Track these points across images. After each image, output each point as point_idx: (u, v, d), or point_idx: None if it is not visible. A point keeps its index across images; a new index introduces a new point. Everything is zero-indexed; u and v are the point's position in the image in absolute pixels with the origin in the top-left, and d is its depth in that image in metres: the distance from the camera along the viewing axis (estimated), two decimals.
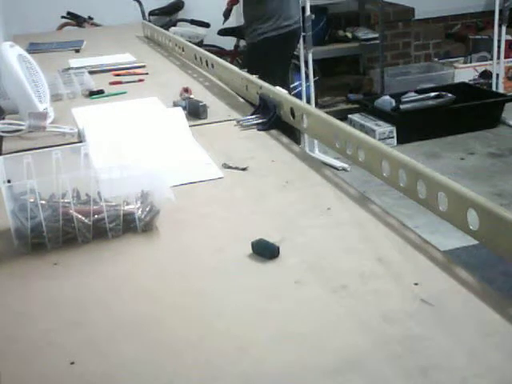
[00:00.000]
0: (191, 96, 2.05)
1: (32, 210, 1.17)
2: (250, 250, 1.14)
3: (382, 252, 1.11)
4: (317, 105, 4.73)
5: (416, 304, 0.96)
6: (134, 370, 0.88)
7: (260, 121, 1.78)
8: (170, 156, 1.58)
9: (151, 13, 4.59)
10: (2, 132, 1.80)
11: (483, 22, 5.86)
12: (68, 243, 1.20)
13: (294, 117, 1.68)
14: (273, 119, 1.76)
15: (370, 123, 4.70)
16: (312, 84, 4.40)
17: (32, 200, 1.17)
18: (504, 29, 4.91)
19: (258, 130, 1.75)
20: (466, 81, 5.32)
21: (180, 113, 1.84)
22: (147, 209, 1.23)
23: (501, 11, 4.88)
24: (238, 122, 1.77)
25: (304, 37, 4.15)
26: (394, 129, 4.60)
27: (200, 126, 1.83)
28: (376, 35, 5.30)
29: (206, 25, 4.67)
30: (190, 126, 1.77)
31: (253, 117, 1.79)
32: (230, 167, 1.51)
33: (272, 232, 1.20)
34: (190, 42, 4.56)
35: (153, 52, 2.93)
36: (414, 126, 4.57)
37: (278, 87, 1.81)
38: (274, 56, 3.64)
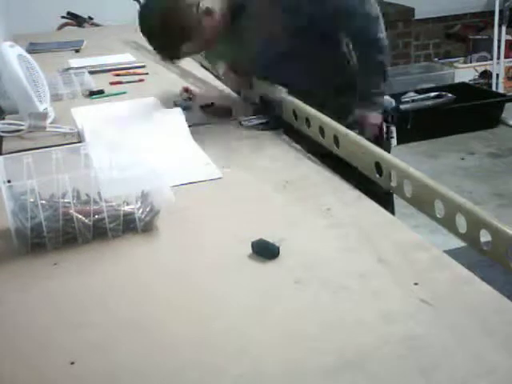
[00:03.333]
0: (191, 96, 2.05)
1: (32, 210, 1.17)
2: (250, 250, 1.14)
3: (382, 252, 1.11)
4: None
5: (416, 304, 0.96)
6: (134, 370, 0.88)
7: (262, 121, 1.77)
8: (169, 156, 1.58)
9: None
10: (2, 132, 1.80)
11: (483, 22, 5.85)
12: (68, 243, 1.20)
13: (296, 118, 1.67)
14: (275, 119, 1.75)
15: None
16: None
17: (32, 200, 1.17)
18: (504, 29, 4.90)
19: (260, 129, 1.75)
20: (466, 81, 5.32)
21: (179, 113, 1.84)
22: (147, 209, 1.23)
23: (501, 11, 4.87)
24: (240, 122, 1.77)
25: None
26: (394, 129, 4.59)
27: (200, 125, 1.83)
28: None
29: None
30: (189, 126, 1.77)
31: (254, 117, 1.79)
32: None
33: (272, 232, 1.20)
34: None
35: (153, 52, 2.92)
36: (413, 126, 4.56)
37: (279, 87, 1.78)
38: None
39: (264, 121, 1.77)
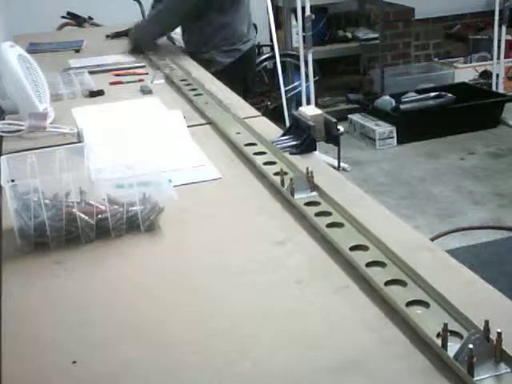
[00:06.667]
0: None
1: (35, 210, 1.17)
2: (251, 250, 1.14)
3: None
4: (317, 105, 4.72)
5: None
6: (136, 370, 0.88)
7: (293, 143, 1.60)
8: (169, 156, 1.58)
9: None
10: (2, 132, 1.80)
11: (483, 22, 5.86)
12: (71, 242, 1.20)
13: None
14: (307, 141, 1.59)
15: (369, 123, 4.70)
16: (312, 84, 4.40)
17: (35, 199, 1.17)
18: (504, 29, 4.91)
19: (291, 153, 1.55)
20: (466, 81, 5.33)
21: (179, 113, 1.84)
22: (150, 208, 1.23)
23: (501, 11, 4.88)
24: (272, 143, 1.59)
25: (304, 37, 4.14)
26: (393, 129, 4.60)
27: (200, 126, 1.83)
28: (376, 35, 5.30)
29: None
30: (189, 127, 1.77)
31: (285, 138, 1.63)
32: None
33: (274, 231, 1.20)
34: None
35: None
36: (414, 126, 4.57)
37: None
38: None
39: (296, 143, 1.60)
